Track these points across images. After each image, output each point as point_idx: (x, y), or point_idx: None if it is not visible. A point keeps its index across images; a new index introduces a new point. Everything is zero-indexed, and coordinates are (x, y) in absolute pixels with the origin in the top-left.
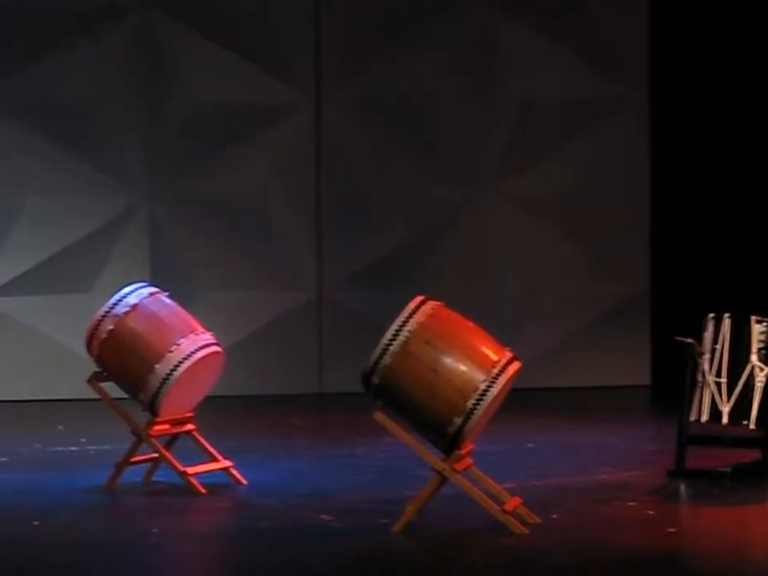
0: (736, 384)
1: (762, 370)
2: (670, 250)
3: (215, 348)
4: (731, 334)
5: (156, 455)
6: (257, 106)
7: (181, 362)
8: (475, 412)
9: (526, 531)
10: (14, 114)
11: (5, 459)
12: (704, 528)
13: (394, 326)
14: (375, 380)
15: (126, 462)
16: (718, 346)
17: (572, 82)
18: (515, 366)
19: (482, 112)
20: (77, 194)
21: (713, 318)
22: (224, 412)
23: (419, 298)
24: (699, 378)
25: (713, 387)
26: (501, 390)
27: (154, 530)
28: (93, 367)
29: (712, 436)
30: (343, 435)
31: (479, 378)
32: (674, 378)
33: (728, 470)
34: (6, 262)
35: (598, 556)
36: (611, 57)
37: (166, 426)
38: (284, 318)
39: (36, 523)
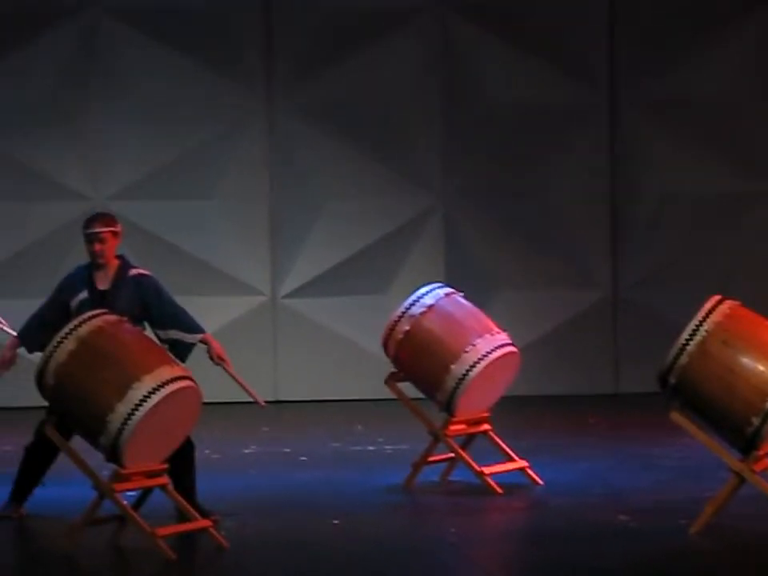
0: None
1: None
2: None
3: (511, 348)
4: None
5: (453, 455)
6: (551, 105)
7: (477, 363)
8: None
9: None
10: (312, 116)
11: (304, 458)
12: None
13: (691, 326)
14: (672, 380)
15: (423, 461)
16: None
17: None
18: None
19: None
20: (373, 196)
21: None
22: (519, 412)
23: (716, 298)
24: None
25: None
26: None
27: (452, 530)
28: (390, 368)
29: None
30: (639, 435)
31: None
32: None
33: None
34: (304, 263)
35: None
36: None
37: (463, 426)
38: (579, 317)
39: (335, 522)
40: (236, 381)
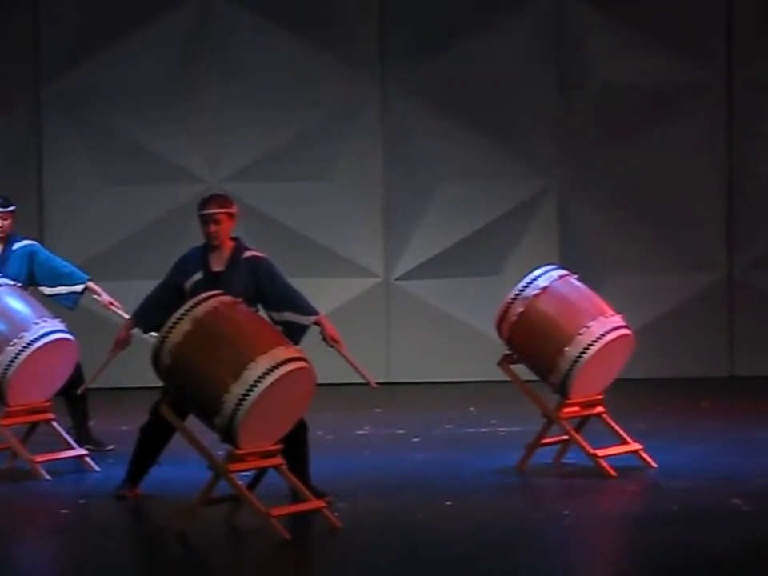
0: None
1: None
2: None
3: (624, 331)
4: None
5: (566, 437)
6: (666, 85)
7: (590, 345)
8: None
9: None
10: (426, 98)
11: (417, 439)
12: None
13: None
14: None
15: (536, 443)
16: None
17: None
18: None
19: None
20: (487, 178)
21: None
22: (633, 395)
23: None
24: None
25: None
26: None
27: (565, 512)
28: (503, 349)
29: None
30: (754, 419)
31: None
32: None
33: None
34: (417, 244)
35: None
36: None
37: (576, 409)
38: (694, 299)
39: (448, 503)
40: (349, 362)
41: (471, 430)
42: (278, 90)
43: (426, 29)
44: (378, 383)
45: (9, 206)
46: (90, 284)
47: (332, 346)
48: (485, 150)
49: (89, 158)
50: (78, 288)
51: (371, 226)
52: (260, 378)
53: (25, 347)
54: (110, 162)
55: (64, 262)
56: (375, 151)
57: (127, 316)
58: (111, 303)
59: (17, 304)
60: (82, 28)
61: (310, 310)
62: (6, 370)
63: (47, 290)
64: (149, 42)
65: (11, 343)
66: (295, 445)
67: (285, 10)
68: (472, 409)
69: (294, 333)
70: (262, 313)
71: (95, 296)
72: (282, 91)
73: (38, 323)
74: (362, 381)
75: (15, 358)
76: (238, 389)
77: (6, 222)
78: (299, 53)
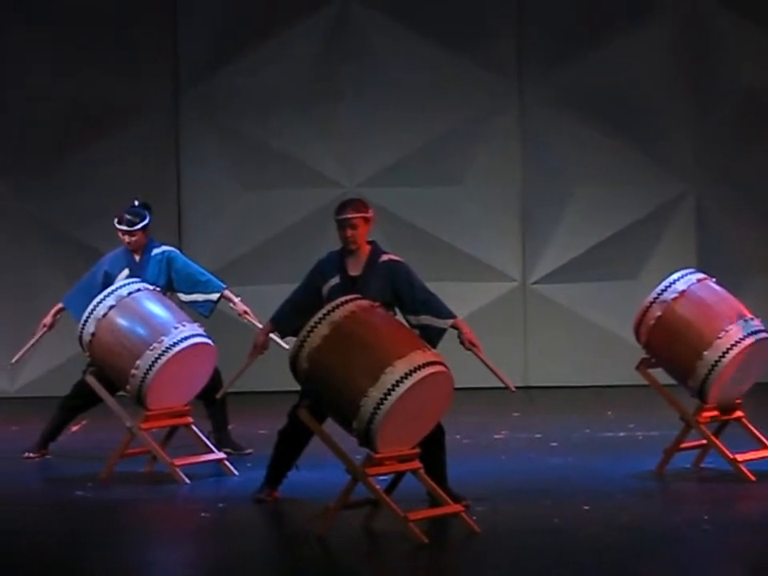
0: None
1: None
2: None
3: (764, 335)
4: None
5: (705, 442)
6: None
7: (729, 349)
8: None
9: None
10: (564, 101)
11: (555, 444)
12: None
13: None
14: None
15: (675, 447)
16: None
17: None
18: None
19: None
20: (624, 182)
21: None
22: None
23: None
24: None
25: None
26: None
27: (704, 517)
28: (641, 353)
29: None
30: None
31: None
32: None
33: None
34: (555, 248)
35: None
36: None
37: (715, 413)
38: None
39: (586, 507)
40: (487, 366)
41: (609, 434)
42: (415, 94)
43: (564, 33)
44: (516, 387)
45: (135, 226)
46: (227, 292)
47: (469, 350)
48: (622, 153)
49: (227, 162)
50: (214, 296)
51: (508, 229)
52: (398, 381)
53: (164, 351)
54: (247, 166)
55: (201, 270)
56: (513, 155)
57: (260, 325)
58: (246, 312)
59: (156, 308)
60: (221, 33)
61: (447, 314)
62: (146, 373)
63: (184, 297)
64: (286, 47)
65: (151, 347)
66: (432, 449)
67: (422, 14)
68: (609, 413)
69: (431, 336)
70: (398, 316)
71: (231, 304)
72: (419, 95)
73: (177, 327)
74: (499, 385)
75: (155, 362)
76: (375, 393)
77: (133, 239)
78: (436, 56)
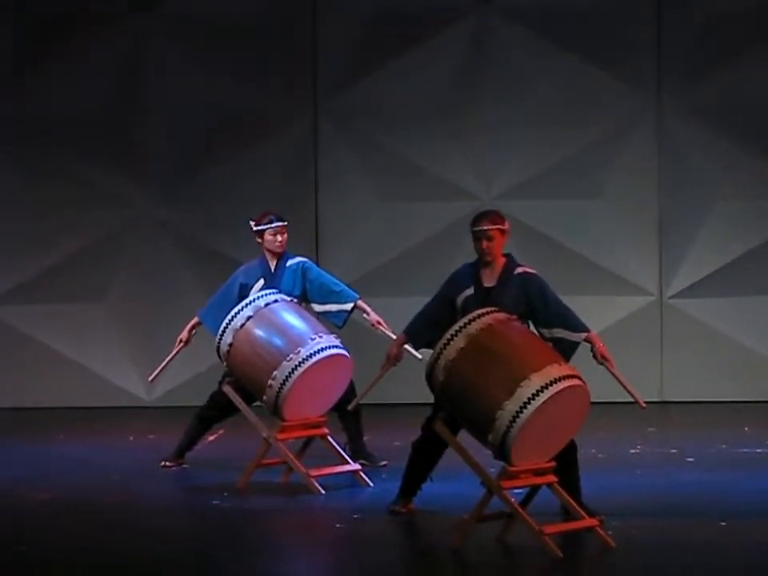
0: None
1: None
2: None
3: None
4: None
5: None
6: None
7: None
8: None
9: None
10: (702, 116)
11: (691, 459)
12: None
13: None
14: None
15: None
16: None
17: None
18: None
19: None
20: (763, 197)
21: None
22: None
23: None
24: None
25: None
26: None
27: None
28: None
29: None
30: None
31: None
32: None
33: None
34: (692, 263)
35: None
36: None
37: None
38: None
39: (722, 523)
40: (618, 380)
41: (746, 450)
42: (553, 108)
43: (704, 46)
44: (650, 402)
45: (283, 221)
46: (360, 303)
47: (602, 364)
48: (761, 168)
49: (363, 174)
50: (348, 306)
51: (645, 243)
52: (534, 395)
53: (301, 362)
54: (384, 178)
55: (335, 280)
56: (650, 169)
57: (394, 335)
58: (379, 323)
59: (293, 319)
60: (360, 44)
61: (580, 327)
62: (283, 384)
63: (317, 307)
64: (425, 59)
65: (288, 358)
66: (567, 462)
67: (561, 27)
68: (747, 429)
69: (565, 349)
70: (532, 329)
71: (364, 315)
72: (557, 108)
73: (314, 338)
74: (633, 400)
75: (291, 373)
76: (511, 406)
77: (284, 236)
78: (575, 69)
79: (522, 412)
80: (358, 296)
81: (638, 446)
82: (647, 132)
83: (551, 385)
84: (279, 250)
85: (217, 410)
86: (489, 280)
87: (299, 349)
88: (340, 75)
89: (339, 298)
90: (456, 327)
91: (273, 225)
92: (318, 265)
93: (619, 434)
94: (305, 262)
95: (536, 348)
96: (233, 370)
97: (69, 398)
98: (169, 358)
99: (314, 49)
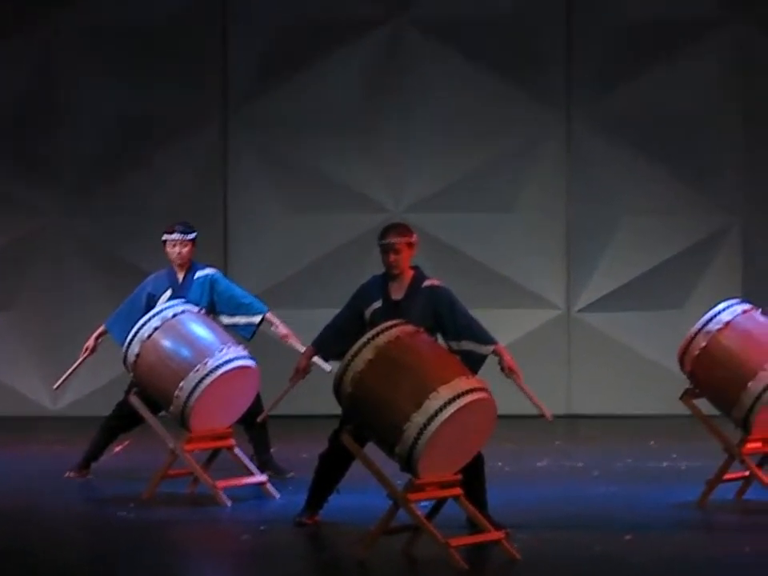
0: None
1: None
2: None
3: None
4: None
5: (748, 473)
6: None
7: None
8: None
9: None
10: (611, 131)
11: (597, 473)
12: None
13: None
14: None
15: (717, 479)
16: None
17: None
18: None
19: None
20: (671, 213)
21: None
22: None
23: None
24: None
25: None
26: None
27: (746, 549)
28: (685, 383)
29: None
30: None
31: None
32: None
33: None
34: (600, 277)
35: None
36: None
37: (759, 444)
38: None
39: (628, 537)
40: (525, 393)
41: (652, 464)
42: (463, 121)
43: (609, 63)
44: (558, 416)
45: (189, 233)
46: (269, 315)
47: (509, 377)
48: (668, 184)
49: (272, 185)
50: (257, 319)
51: (554, 257)
52: (441, 407)
53: (208, 373)
54: (293, 190)
55: (244, 292)
56: (559, 184)
57: (303, 347)
58: (287, 336)
59: (201, 330)
60: (269, 56)
61: (488, 340)
62: (190, 395)
63: (226, 320)
64: (334, 72)
65: (195, 369)
66: (473, 475)
67: (472, 41)
68: (653, 443)
69: (473, 362)
70: (441, 341)
71: (273, 327)
72: (466, 121)
73: (222, 349)
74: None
75: (199, 383)
76: (419, 418)
77: (184, 250)
78: (484, 82)
79: (429, 424)
80: (266, 309)
81: (545, 460)
82: (556, 146)
83: (459, 397)
84: (179, 262)
85: (122, 420)
86: (397, 293)
87: (207, 360)
88: (250, 86)
89: (248, 311)
90: (364, 339)
91: (171, 237)
92: (226, 276)
93: (526, 447)
94: (213, 273)
95: (444, 361)
96: (140, 380)
97: None
98: (74, 366)
99: (225, 60)
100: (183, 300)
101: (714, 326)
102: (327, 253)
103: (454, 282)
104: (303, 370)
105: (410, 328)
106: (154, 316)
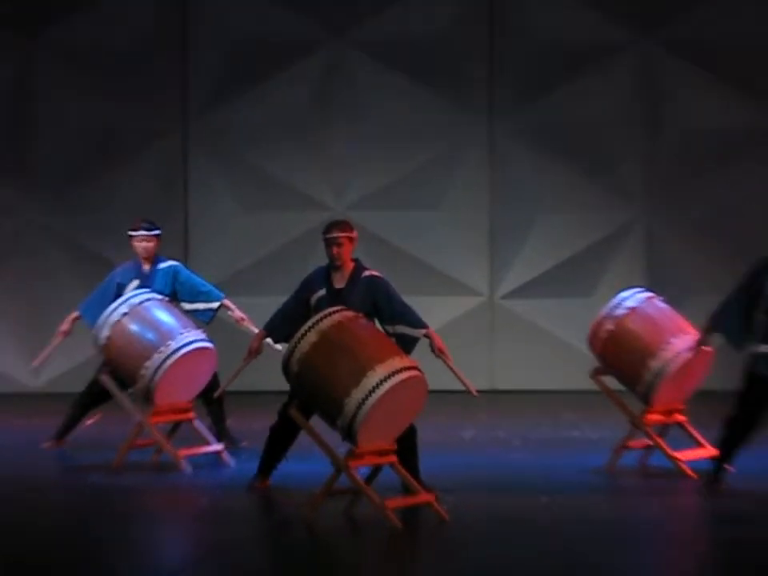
0: None
1: None
2: None
3: (705, 348)
4: None
5: (650, 442)
6: (747, 132)
7: (673, 359)
8: None
9: None
10: (528, 137)
11: (517, 442)
12: None
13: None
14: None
15: (623, 447)
16: None
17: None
18: None
19: None
20: (582, 209)
21: None
22: (712, 405)
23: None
24: None
25: None
26: None
27: (649, 509)
28: (595, 362)
29: None
30: None
31: None
32: None
33: None
34: (519, 267)
35: None
36: None
37: (660, 416)
38: None
39: (544, 499)
40: (453, 372)
41: (565, 434)
42: (396, 128)
43: (530, 76)
44: (482, 391)
45: (153, 230)
46: (225, 301)
47: (439, 357)
48: (579, 183)
49: (228, 185)
50: (215, 305)
51: (478, 250)
52: (378, 384)
53: (171, 354)
54: (247, 190)
55: (203, 281)
56: (482, 183)
57: (256, 330)
58: (242, 319)
59: (164, 316)
60: (227, 68)
61: (420, 324)
62: (154, 373)
63: (187, 306)
64: (285, 84)
65: (159, 350)
66: (407, 445)
67: (402, 56)
68: (566, 415)
69: (406, 344)
70: (377, 326)
71: (229, 312)
72: (400, 129)
73: (182, 333)
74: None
75: (162, 363)
76: (358, 394)
77: (149, 245)
78: (417, 94)
79: (367, 399)
80: (223, 295)
81: (470, 431)
82: (480, 150)
83: (393, 375)
84: (145, 255)
85: (93, 397)
86: (339, 282)
87: (169, 342)
88: (208, 98)
89: (207, 298)
90: (309, 324)
91: (138, 234)
92: (187, 267)
93: (454, 420)
94: (176, 265)
95: (380, 343)
96: (109, 360)
97: None
98: (51, 346)
99: (186, 75)
100: (149, 289)
101: (620, 312)
102: (277, 247)
103: (390, 272)
104: (255, 351)
105: (350, 314)
106: (122, 303)
